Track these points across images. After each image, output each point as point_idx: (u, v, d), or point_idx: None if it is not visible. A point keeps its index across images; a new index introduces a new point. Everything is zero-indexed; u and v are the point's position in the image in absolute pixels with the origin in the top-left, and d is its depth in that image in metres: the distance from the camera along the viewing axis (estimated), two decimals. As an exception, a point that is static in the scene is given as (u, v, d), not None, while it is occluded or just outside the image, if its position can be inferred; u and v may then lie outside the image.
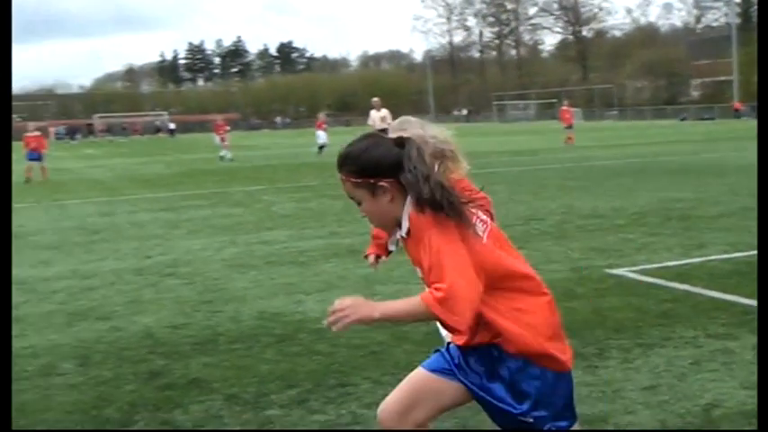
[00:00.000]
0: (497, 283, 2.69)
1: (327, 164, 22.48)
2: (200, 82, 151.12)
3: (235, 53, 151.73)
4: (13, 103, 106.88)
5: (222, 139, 32.37)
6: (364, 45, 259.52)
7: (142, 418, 4.47)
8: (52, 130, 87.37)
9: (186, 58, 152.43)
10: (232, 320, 6.44)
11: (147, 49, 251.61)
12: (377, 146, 2.77)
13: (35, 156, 24.85)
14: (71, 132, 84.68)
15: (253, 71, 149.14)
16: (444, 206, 2.61)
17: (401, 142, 2.73)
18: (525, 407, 2.71)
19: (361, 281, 7.65)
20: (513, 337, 2.70)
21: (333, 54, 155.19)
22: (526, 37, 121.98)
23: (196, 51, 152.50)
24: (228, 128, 35.00)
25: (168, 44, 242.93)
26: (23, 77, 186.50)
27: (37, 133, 26.10)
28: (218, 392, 4.77)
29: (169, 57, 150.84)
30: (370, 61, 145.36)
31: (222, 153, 31.29)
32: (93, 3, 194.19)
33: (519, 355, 2.71)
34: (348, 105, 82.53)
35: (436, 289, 2.50)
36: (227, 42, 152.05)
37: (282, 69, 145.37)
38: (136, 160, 36.17)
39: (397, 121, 3.83)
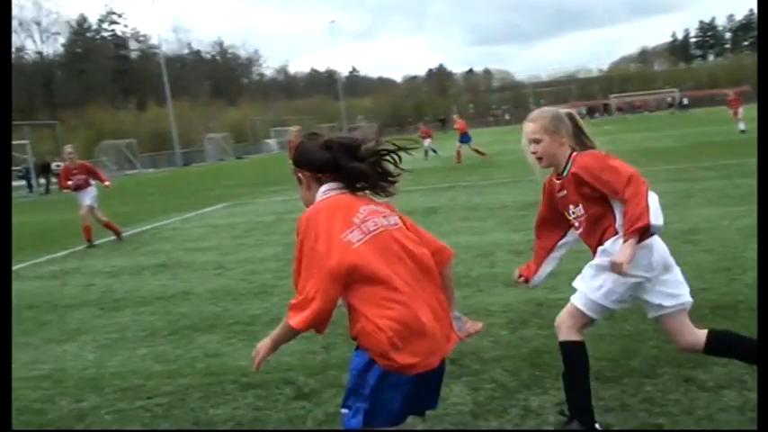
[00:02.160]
0: (356, 282, 2.77)
1: None
2: (711, 57, 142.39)
3: (746, 27, 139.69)
4: (542, 90, 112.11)
5: (735, 113, 30.05)
6: None
7: (665, 372, 4.37)
8: (574, 111, 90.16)
9: (697, 36, 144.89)
10: (751, 288, 5.94)
11: (659, 31, 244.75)
12: (304, 144, 3.08)
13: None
14: (590, 112, 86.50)
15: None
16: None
17: (327, 145, 2.98)
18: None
19: None
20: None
21: None
22: None
23: (707, 29, 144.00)
24: (742, 101, 32.27)
25: (679, 25, 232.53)
26: (552, 66, 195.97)
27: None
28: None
29: (680, 36, 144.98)
30: None
31: (740, 126, 28.96)
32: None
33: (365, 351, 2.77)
34: None
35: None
36: (739, 17, 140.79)
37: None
38: (647, 135, 35.50)
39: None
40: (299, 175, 3.08)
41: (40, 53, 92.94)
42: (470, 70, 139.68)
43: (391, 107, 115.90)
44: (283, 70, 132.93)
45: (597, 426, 3.58)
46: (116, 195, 26.32)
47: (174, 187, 30.53)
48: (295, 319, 2.76)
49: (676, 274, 3.60)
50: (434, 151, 31.54)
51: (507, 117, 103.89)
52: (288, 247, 10.86)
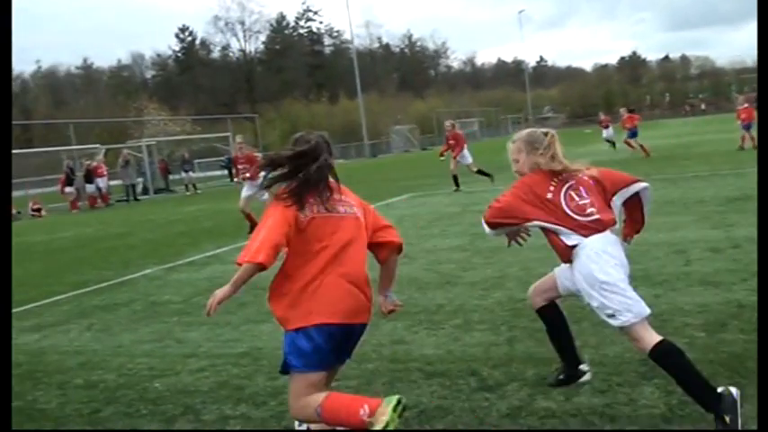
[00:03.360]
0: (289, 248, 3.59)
1: None
2: None
3: None
4: (746, 76, 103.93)
5: None
6: None
7: None
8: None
9: None
10: None
11: None
12: (302, 136, 3.73)
13: (746, 125, 24.29)
14: (801, 100, 79.52)
15: None
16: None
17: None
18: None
19: None
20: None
21: None
22: None
23: None
24: None
25: None
26: (744, 54, 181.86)
27: (746, 105, 25.61)
28: None
29: None
30: None
31: None
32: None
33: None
34: None
35: None
36: None
37: None
38: None
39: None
40: None
41: (242, 51, 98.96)
42: (666, 57, 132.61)
43: (579, 97, 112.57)
44: (470, 62, 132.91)
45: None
46: (308, 185, 27.50)
47: (362, 177, 31.45)
48: (241, 257, 3.55)
49: None
50: (612, 143, 30.42)
51: (703, 107, 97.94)
52: (474, 238, 10.88)
